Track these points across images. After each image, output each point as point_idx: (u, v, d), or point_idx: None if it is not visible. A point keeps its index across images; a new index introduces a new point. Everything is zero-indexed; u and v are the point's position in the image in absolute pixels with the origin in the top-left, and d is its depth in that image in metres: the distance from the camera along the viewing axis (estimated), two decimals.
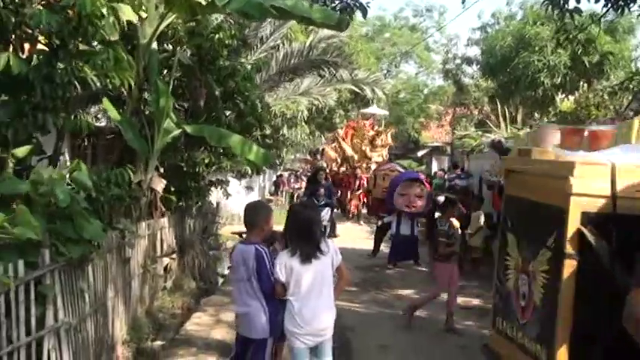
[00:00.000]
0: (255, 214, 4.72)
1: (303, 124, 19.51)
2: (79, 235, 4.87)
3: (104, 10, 5.35)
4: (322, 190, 13.57)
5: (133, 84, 6.63)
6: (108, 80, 5.78)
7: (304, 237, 4.37)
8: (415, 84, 37.45)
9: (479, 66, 30.41)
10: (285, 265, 4.34)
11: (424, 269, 12.02)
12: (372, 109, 24.59)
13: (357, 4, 9.84)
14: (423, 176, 13.56)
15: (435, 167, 32.61)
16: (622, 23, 17.10)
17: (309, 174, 26.00)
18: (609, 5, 10.04)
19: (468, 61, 29.67)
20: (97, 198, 5.66)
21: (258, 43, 14.44)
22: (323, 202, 12.98)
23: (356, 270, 11.17)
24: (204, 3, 7.26)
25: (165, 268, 8.79)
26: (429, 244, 7.79)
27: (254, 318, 4.55)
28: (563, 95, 14.23)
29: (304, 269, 4.30)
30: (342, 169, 24.09)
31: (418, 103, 35.29)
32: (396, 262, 12.13)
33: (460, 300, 9.35)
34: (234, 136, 8.69)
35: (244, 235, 15.69)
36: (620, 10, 10.00)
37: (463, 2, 9.78)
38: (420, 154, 37.64)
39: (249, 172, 11.96)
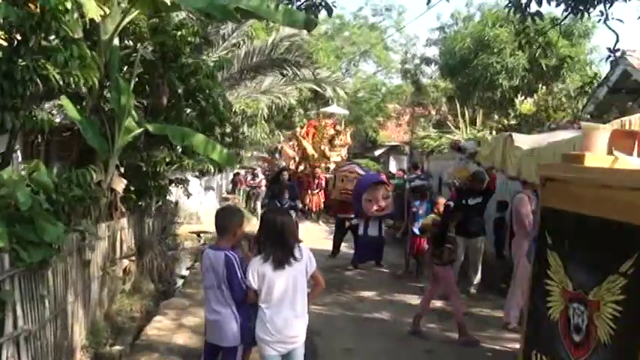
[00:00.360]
0: (228, 219, 4.60)
1: (263, 122, 19.40)
2: (40, 239, 4.70)
3: (68, 5, 5.15)
4: (286, 193, 12.53)
5: (97, 82, 6.42)
6: (71, 79, 5.57)
7: (277, 243, 4.26)
8: (374, 83, 37.57)
9: (437, 66, 30.79)
10: (257, 271, 4.23)
11: (385, 270, 12.06)
12: (332, 108, 24.53)
13: (323, 3, 9.77)
14: (384, 177, 13.57)
15: (392, 166, 32.82)
16: (578, 27, 17.42)
17: (267, 172, 25.85)
18: (569, 10, 10.20)
19: (427, 61, 29.88)
20: (58, 199, 5.47)
21: (220, 40, 14.27)
22: (287, 205, 12.09)
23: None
24: (167, 1, 7.08)
25: (125, 270, 8.57)
26: (432, 251, 7.66)
27: (225, 325, 4.44)
28: (522, 97, 14.45)
29: (277, 276, 4.20)
30: (301, 167, 24.06)
31: (376, 103, 35.40)
32: (358, 264, 12.12)
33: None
34: (197, 135, 8.54)
35: (202, 235, 15.50)
36: (580, 15, 10.17)
37: (428, 2, 9.74)
38: (377, 153, 37.79)
39: (212, 170, 11.79)
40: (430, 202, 12.64)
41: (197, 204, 19.42)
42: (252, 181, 25.38)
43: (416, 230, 11.83)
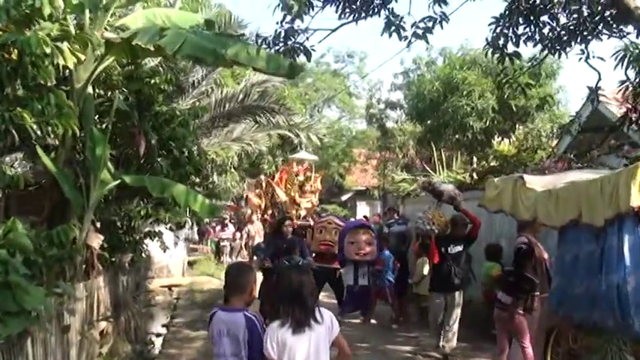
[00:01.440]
0: (244, 276, 4.16)
1: (233, 170, 19.02)
2: (19, 307, 4.20)
3: (48, 50, 4.75)
4: (296, 248, 10.08)
5: (77, 132, 5.98)
6: (49, 128, 5.13)
7: (296, 303, 3.82)
8: (338, 129, 37.57)
9: (402, 110, 30.93)
10: (276, 339, 3.75)
11: (373, 321, 11.62)
12: (302, 154, 24.26)
13: (301, 48, 9.57)
14: (369, 222, 13.23)
15: (359, 211, 32.57)
16: (544, 68, 17.60)
17: (232, 220, 25.14)
18: (547, 50, 10.20)
19: (392, 105, 30.01)
20: (35, 260, 4.98)
21: (190, 87, 13.93)
22: (306, 263, 9.73)
23: None
24: (151, 47, 6.72)
25: (102, 333, 7.98)
26: (516, 298, 6.94)
27: None
28: (500, 138, 14.43)
29: (297, 341, 3.74)
30: (269, 213, 23.64)
31: (342, 148, 35.33)
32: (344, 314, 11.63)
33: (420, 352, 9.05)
34: (177, 186, 8.14)
35: (173, 289, 14.82)
36: (557, 54, 10.17)
37: (408, 46, 9.61)
38: (344, 198, 37.60)
39: (189, 223, 11.31)
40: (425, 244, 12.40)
41: (167, 256, 18.77)
42: (221, 232, 24.01)
43: (390, 278, 11.72)
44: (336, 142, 35.53)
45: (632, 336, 4.05)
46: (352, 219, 19.06)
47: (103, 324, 7.89)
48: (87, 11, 7.32)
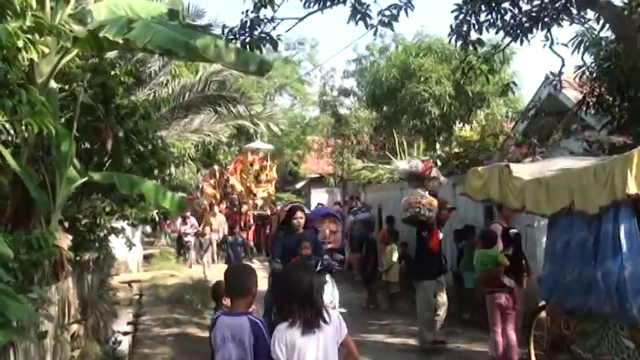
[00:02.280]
0: (246, 279, 4.01)
1: (190, 162, 18.73)
2: (4, 318, 3.98)
3: (20, 43, 4.49)
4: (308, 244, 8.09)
5: (54, 130, 5.70)
6: (24, 127, 4.88)
7: (306, 303, 3.72)
8: (292, 116, 37.39)
9: (355, 97, 30.97)
10: (284, 341, 3.64)
11: (343, 310, 11.59)
12: (257, 144, 24.15)
13: (267, 38, 9.41)
14: (335, 211, 13.19)
15: (314, 199, 32.53)
16: (498, 54, 17.80)
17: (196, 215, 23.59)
18: (510, 37, 10.29)
19: (345, 92, 30.03)
20: (13, 267, 4.74)
21: (147, 79, 13.58)
22: (326, 263, 8.09)
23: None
24: (120, 41, 6.44)
25: (72, 335, 7.73)
26: (519, 282, 6.98)
27: None
28: (461, 124, 14.56)
29: (306, 342, 3.63)
30: (222, 205, 23.39)
31: (296, 136, 35.21)
32: None
33: (396, 340, 9.08)
34: (146, 183, 7.92)
35: (133, 284, 14.48)
36: (520, 41, 10.28)
37: (375, 34, 9.55)
38: (298, 186, 37.52)
39: (156, 218, 11.05)
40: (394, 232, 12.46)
41: (125, 252, 18.36)
42: (183, 226, 20.73)
43: None
44: (290, 130, 35.40)
45: (629, 321, 4.11)
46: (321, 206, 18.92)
47: (75, 326, 7.64)
48: (47, 2, 7.00)
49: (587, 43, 10.46)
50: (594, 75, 10.80)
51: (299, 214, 8.39)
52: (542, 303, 6.22)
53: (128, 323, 11.66)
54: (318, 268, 7.54)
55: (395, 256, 11.66)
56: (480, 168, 6.33)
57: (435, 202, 8.72)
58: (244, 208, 23.51)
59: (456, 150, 12.50)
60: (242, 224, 22.72)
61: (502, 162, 7.54)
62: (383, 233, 13.17)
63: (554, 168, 5.19)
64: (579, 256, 4.61)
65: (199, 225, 20.38)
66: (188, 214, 20.09)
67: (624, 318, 4.13)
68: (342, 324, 3.85)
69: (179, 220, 21.28)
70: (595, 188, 4.29)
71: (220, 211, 21.75)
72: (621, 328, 4.19)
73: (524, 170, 5.55)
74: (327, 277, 7.97)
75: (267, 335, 3.80)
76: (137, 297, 14.78)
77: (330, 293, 7.80)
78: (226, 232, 16.75)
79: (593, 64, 10.74)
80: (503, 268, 6.74)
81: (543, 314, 6.05)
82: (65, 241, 7.30)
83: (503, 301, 6.85)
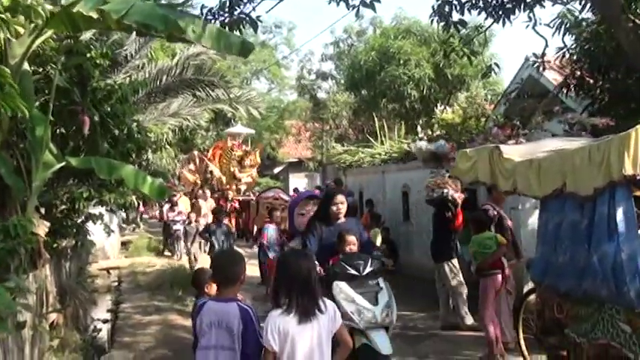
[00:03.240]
0: (234, 265, 3.90)
1: (168, 147, 18.44)
2: None
3: None
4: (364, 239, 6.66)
5: (27, 113, 5.46)
6: None
7: (304, 290, 3.62)
8: (270, 100, 37.14)
9: (334, 81, 30.80)
10: (278, 328, 3.53)
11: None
12: (238, 128, 23.91)
13: (247, 19, 9.22)
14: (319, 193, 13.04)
15: (292, 183, 32.41)
16: (478, 37, 17.80)
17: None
18: (493, 18, 10.22)
19: (323, 76, 29.84)
20: None
21: (123, 61, 13.28)
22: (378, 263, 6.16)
23: (255, 302, 10.41)
24: (95, 16, 6.18)
25: (51, 324, 7.54)
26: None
27: None
28: (442, 107, 14.53)
29: (301, 331, 3.53)
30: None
31: (274, 120, 34.98)
32: None
33: None
34: (126, 167, 7.69)
35: (111, 271, 14.24)
36: (502, 22, 10.21)
37: (357, 15, 9.40)
38: (276, 170, 37.37)
39: (135, 204, 10.81)
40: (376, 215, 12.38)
41: (103, 238, 18.08)
42: (170, 212, 18.56)
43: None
44: (267, 115, 35.19)
45: (626, 304, 4.05)
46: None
47: (53, 315, 7.46)
48: None
49: (568, 25, 10.42)
50: (575, 57, 10.78)
51: (339, 198, 6.56)
52: (531, 286, 6.19)
53: (108, 311, 11.50)
54: (368, 269, 5.84)
55: (379, 240, 11.57)
56: (468, 150, 6.23)
57: (459, 182, 8.50)
58: (230, 194, 23.11)
59: (438, 132, 12.45)
60: (227, 209, 22.45)
61: (485, 144, 7.47)
62: (365, 217, 13.06)
63: (546, 149, 5.11)
64: (571, 238, 4.54)
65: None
66: (176, 199, 18.65)
67: (621, 301, 4.07)
68: (337, 314, 3.77)
69: (166, 207, 19.30)
70: (589, 169, 4.22)
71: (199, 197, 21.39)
72: (617, 311, 4.13)
73: (515, 152, 5.46)
74: (380, 281, 5.93)
75: (257, 323, 3.69)
76: (116, 284, 14.58)
77: (385, 304, 5.71)
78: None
79: (574, 46, 10.72)
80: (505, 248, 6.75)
81: (532, 297, 6.00)
82: (42, 227, 7.06)
83: (499, 283, 6.83)
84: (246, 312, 3.70)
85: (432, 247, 9.14)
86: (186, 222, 17.04)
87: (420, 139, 11.63)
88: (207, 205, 18.15)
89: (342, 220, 6.50)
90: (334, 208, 6.44)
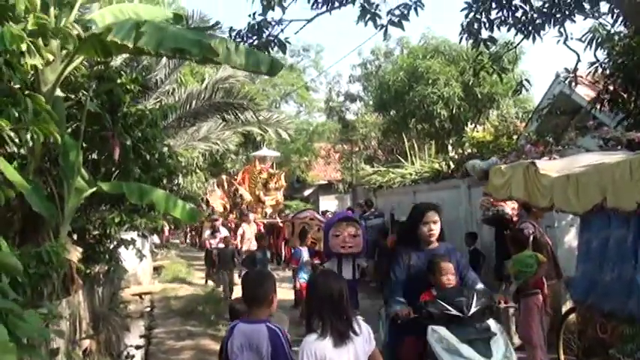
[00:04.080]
0: (263, 285, 3.84)
1: (198, 171, 18.56)
2: (14, 339, 3.77)
3: (24, 47, 4.30)
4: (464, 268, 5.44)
5: (59, 139, 5.51)
6: (28, 135, 4.69)
7: (337, 313, 3.52)
8: (298, 123, 37.26)
9: (362, 102, 30.83)
10: (314, 354, 3.43)
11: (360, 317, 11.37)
12: (264, 152, 24.00)
13: (276, 41, 9.26)
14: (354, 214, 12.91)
15: (322, 206, 32.31)
16: (507, 54, 17.67)
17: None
18: (522, 34, 10.10)
19: (352, 97, 29.87)
20: (23, 281, 4.55)
21: (153, 87, 13.42)
22: (485, 302, 4.80)
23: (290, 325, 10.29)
24: (130, 45, 6.21)
25: (84, 351, 7.53)
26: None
27: None
28: (473, 125, 14.39)
29: (338, 355, 3.42)
30: (232, 216, 23.17)
31: (303, 142, 35.03)
32: None
33: None
34: (156, 192, 7.74)
35: (144, 297, 14.21)
36: (532, 38, 10.09)
37: (385, 35, 9.36)
38: (306, 193, 37.31)
39: (166, 229, 10.84)
40: None
41: (135, 264, 18.14)
42: (211, 239, 16.55)
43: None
44: (296, 137, 35.28)
45: None
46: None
47: (87, 342, 7.44)
48: (52, 8, 6.83)
49: (600, 39, 10.25)
50: (608, 71, 10.58)
51: (431, 215, 5.17)
52: (571, 305, 5.99)
53: (141, 336, 11.45)
54: (474, 307, 4.54)
55: None
56: (502, 166, 6.10)
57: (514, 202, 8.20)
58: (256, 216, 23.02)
59: (469, 151, 12.30)
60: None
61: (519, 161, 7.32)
62: (392, 240, 12.76)
63: (583, 164, 4.97)
64: (618, 255, 4.38)
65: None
66: (218, 224, 17.15)
67: None
68: (371, 335, 3.68)
69: (207, 232, 17.71)
70: (630, 183, 4.07)
71: (230, 222, 21.33)
72: None
73: (551, 167, 5.32)
74: (492, 325, 4.64)
75: (287, 344, 3.60)
76: (149, 309, 14.57)
77: (503, 356, 4.41)
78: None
79: (606, 60, 10.52)
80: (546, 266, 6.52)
81: (572, 317, 5.81)
82: (75, 253, 7.10)
83: (541, 302, 6.55)
84: (275, 333, 3.62)
85: (497, 267, 8.70)
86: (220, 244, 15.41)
87: (451, 158, 11.49)
88: (250, 229, 16.41)
89: (435, 244, 5.19)
90: (425, 228, 5.11)
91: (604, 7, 9.71)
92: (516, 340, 8.04)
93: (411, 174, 14.09)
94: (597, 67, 10.49)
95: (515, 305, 6.41)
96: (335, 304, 3.54)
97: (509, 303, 5.61)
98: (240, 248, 14.95)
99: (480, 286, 4.96)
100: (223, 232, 16.61)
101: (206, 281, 17.41)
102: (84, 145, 8.33)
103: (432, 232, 5.10)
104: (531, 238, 7.01)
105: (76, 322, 7.14)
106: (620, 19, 9.44)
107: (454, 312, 4.51)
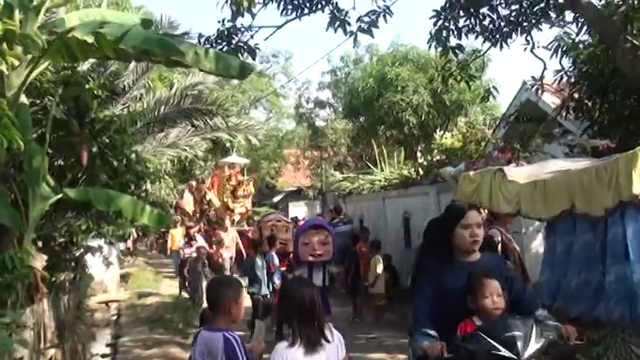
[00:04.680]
0: (219, 292, 3.79)
1: (167, 177, 18.36)
2: None
3: None
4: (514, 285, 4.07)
5: (22, 145, 5.40)
6: None
7: (308, 320, 3.49)
8: (268, 129, 37.18)
9: (331, 109, 30.91)
10: None
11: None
12: (233, 158, 23.83)
13: (245, 47, 9.23)
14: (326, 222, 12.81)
15: (292, 212, 32.27)
16: (475, 62, 17.89)
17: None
18: (490, 42, 10.23)
19: (321, 104, 29.93)
20: None
21: (121, 92, 13.25)
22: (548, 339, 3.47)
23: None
24: (90, 41, 6.09)
25: None
26: None
27: None
28: (442, 132, 14.52)
29: None
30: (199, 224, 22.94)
31: (272, 149, 34.95)
32: None
33: (385, 355, 8.85)
34: (124, 198, 7.65)
35: (110, 305, 14.02)
36: (499, 46, 10.23)
37: (355, 42, 9.43)
38: (275, 199, 37.20)
39: (134, 235, 10.70)
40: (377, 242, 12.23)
41: (102, 271, 17.85)
42: (187, 248, 15.47)
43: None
44: (266, 143, 35.17)
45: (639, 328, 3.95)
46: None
47: (51, 351, 7.29)
48: (16, 12, 6.71)
49: (565, 47, 10.42)
50: (573, 79, 10.76)
51: (473, 216, 3.84)
52: None
53: (107, 345, 11.26)
54: (532, 347, 3.28)
55: (380, 268, 11.45)
56: (471, 172, 6.16)
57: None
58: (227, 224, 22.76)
59: (438, 158, 12.42)
60: None
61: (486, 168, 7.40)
62: (359, 246, 12.74)
63: (550, 170, 5.04)
64: (584, 260, 4.44)
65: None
66: (194, 231, 16.45)
67: (634, 325, 3.96)
68: (342, 342, 3.65)
69: (182, 242, 16.64)
70: (598, 189, 4.14)
71: (200, 230, 21.08)
72: (630, 335, 4.02)
73: (519, 174, 5.39)
74: None
75: (243, 355, 3.57)
76: (115, 317, 14.35)
77: None
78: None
79: (572, 68, 10.70)
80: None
81: None
82: (39, 261, 6.97)
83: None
84: (229, 343, 3.59)
85: None
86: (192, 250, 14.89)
87: (420, 164, 11.57)
88: (228, 236, 16.47)
89: (477, 255, 3.88)
90: (466, 233, 3.78)
91: (569, 16, 9.88)
92: None
93: (380, 180, 14.15)
94: (563, 75, 10.65)
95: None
96: (306, 312, 3.50)
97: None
98: (220, 256, 15.16)
99: (540, 312, 3.82)
100: (200, 240, 15.96)
101: (180, 292, 16.42)
102: (50, 151, 8.23)
103: (476, 239, 3.78)
104: (500, 244, 7.08)
105: (40, 330, 6.98)
106: (585, 28, 9.61)
107: (504, 352, 3.24)
